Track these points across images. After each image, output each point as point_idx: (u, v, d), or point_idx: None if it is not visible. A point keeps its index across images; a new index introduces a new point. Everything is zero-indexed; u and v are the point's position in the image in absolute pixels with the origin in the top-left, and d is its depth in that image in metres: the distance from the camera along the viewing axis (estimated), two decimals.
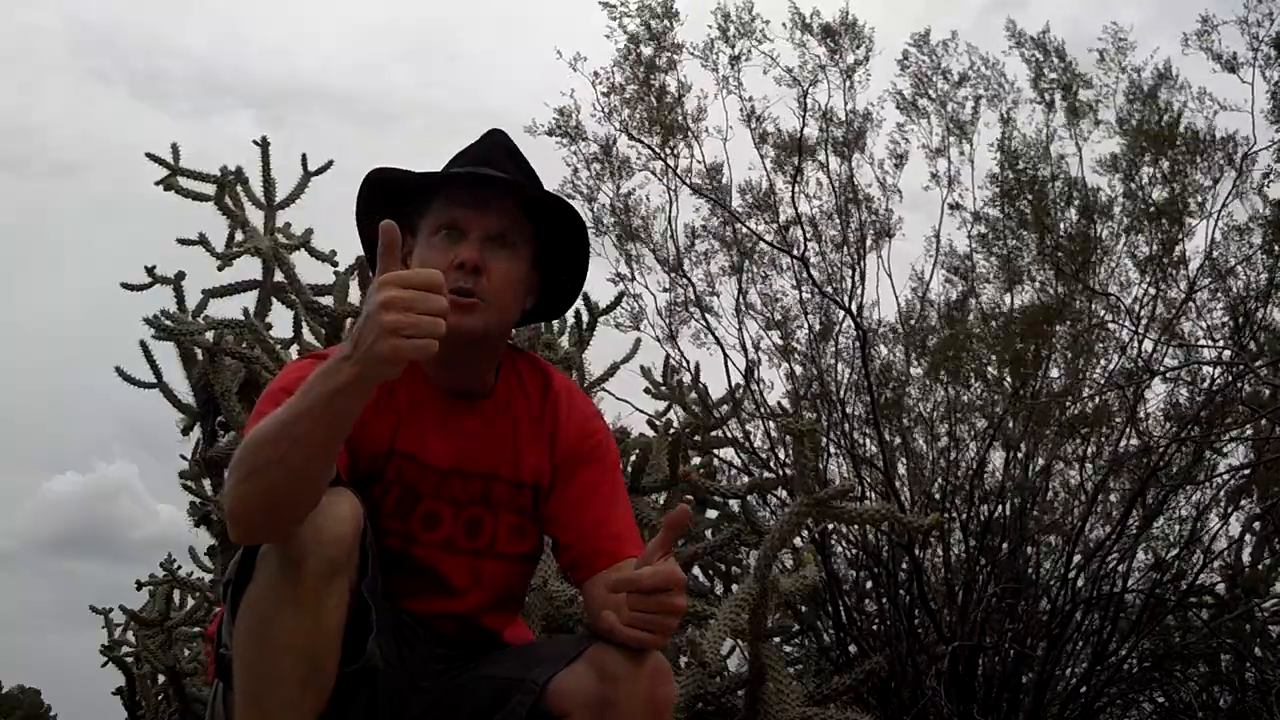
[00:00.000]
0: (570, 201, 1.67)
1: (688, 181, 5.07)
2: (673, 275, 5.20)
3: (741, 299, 5.15)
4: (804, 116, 5.04)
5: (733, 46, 5.06)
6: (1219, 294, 4.70)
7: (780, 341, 5.25)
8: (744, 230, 5.16)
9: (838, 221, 5.10)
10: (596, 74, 5.08)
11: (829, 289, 5.04)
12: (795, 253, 4.98)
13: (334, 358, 1.23)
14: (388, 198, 1.57)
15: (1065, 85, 5.08)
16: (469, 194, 1.53)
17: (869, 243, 5.06)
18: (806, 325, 5.18)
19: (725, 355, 4.94)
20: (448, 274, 1.46)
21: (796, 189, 5.01)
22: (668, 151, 5.06)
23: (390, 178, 1.58)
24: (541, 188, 1.62)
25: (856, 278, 5.00)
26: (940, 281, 5.29)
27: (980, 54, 5.16)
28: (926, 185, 5.20)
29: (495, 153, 1.60)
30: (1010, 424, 4.77)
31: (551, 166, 5.17)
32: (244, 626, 1.30)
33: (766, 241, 5.11)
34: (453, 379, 1.57)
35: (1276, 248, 4.55)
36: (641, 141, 5.08)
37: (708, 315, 5.11)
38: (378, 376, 1.20)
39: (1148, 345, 4.67)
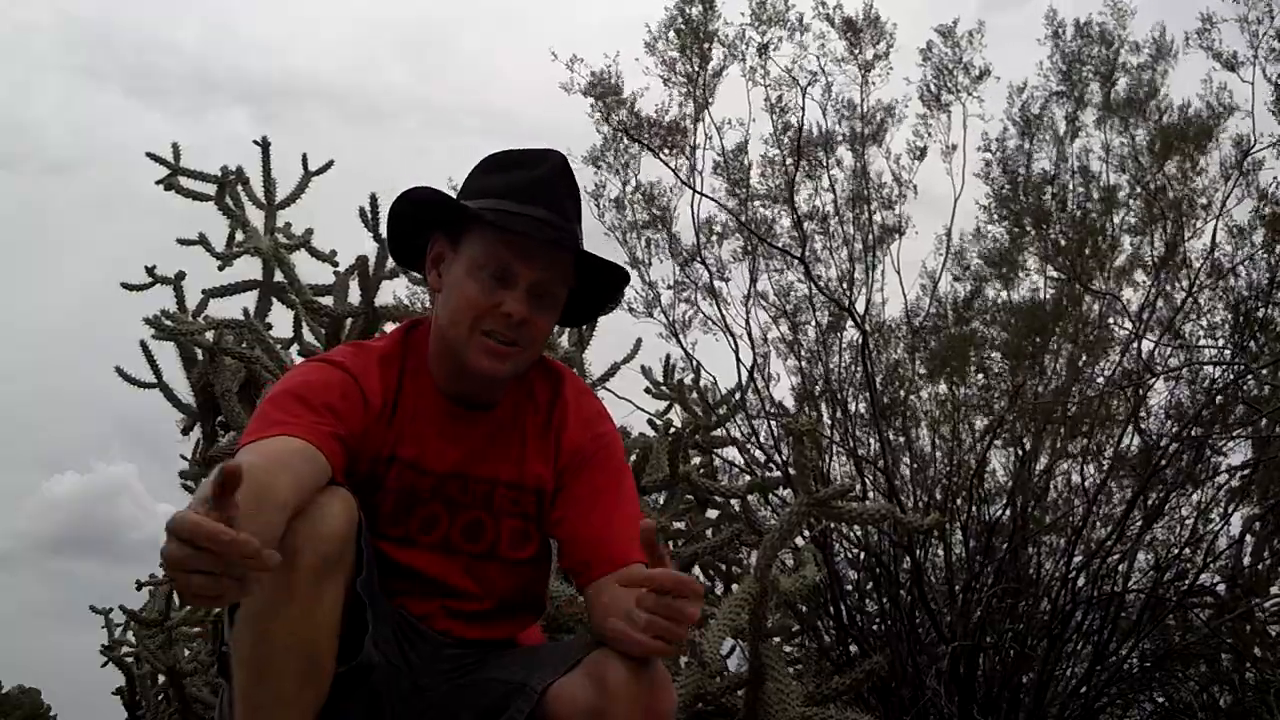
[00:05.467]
0: (621, 264, 1.65)
1: (690, 187, 5.06)
2: (685, 265, 5.20)
3: (752, 287, 5.16)
4: (825, 109, 5.08)
5: (763, 35, 5.05)
6: (1220, 293, 4.70)
7: (789, 333, 5.25)
8: (756, 218, 5.16)
9: (850, 216, 5.10)
10: (593, 74, 5.09)
11: (835, 286, 5.04)
12: (798, 253, 4.97)
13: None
14: (428, 211, 1.57)
15: (1106, 75, 5.08)
16: (527, 239, 1.50)
17: (877, 238, 5.06)
18: (815, 321, 5.18)
19: (735, 345, 4.94)
20: (492, 316, 1.50)
21: (811, 183, 5.03)
22: (686, 142, 5.07)
23: (442, 201, 1.56)
24: (580, 239, 1.58)
25: (864, 274, 5.02)
26: (949, 281, 5.31)
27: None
28: (980, 173, 5.19)
29: (555, 188, 1.54)
30: (1013, 420, 4.77)
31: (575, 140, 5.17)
32: (241, 623, 1.30)
33: (770, 244, 5.10)
34: (463, 394, 1.59)
35: (1277, 247, 4.55)
36: (662, 132, 5.08)
37: (718, 302, 5.12)
38: None
39: (1149, 344, 4.68)
